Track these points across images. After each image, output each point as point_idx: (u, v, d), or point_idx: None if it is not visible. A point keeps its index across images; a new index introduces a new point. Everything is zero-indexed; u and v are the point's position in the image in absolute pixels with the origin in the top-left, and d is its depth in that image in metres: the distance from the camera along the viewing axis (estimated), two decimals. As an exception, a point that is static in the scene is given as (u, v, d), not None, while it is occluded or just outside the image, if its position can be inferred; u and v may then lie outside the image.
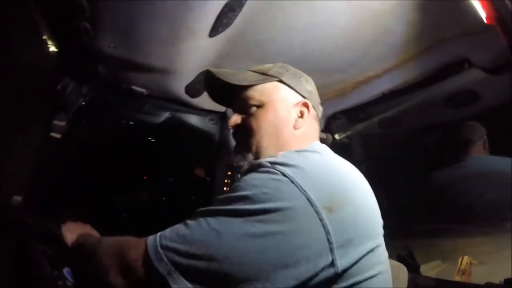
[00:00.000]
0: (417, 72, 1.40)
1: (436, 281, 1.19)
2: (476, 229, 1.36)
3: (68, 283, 0.72)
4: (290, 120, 0.77)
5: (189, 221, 0.60)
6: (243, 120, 0.78)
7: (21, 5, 1.15)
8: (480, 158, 1.57)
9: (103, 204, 2.16)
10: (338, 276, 0.57)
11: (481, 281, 1.01)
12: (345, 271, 0.57)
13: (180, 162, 2.52)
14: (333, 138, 1.90)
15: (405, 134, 1.93)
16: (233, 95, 0.81)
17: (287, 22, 1.19)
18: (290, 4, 1.11)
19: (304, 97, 0.81)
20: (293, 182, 0.57)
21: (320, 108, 0.87)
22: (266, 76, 0.80)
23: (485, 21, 0.90)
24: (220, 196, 0.62)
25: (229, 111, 1.85)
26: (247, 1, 1.06)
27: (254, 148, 0.75)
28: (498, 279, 0.95)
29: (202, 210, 0.61)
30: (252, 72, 0.82)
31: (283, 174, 0.58)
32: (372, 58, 1.41)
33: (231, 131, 0.81)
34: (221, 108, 1.86)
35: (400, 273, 0.92)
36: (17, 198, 1.22)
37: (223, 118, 1.92)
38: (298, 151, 0.70)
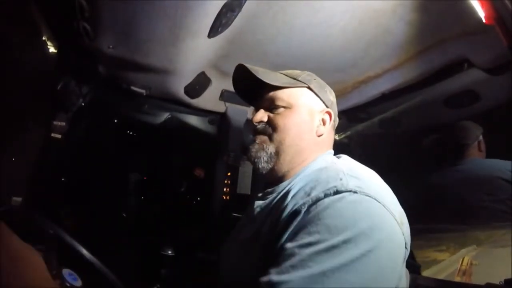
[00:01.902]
0: (417, 72, 1.40)
1: (436, 282, 1.19)
2: (476, 230, 1.36)
3: (67, 284, 0.71)
4: (313, 126, 0.81)
5: None
6: (269, 117, 0.81)
7: (21, 5, 1.15)
8: (475, 161, 1.57)
9: (102, 204, 2.16)
10: None
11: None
12: None
13: (180, 162, 2.52)
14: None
15: (405, 134, 1.92)
16: (260, 93, 0.84)
17: (287, 22, 1.19)
18: (290, 4, 1.11)
19: (327, 106, 0.85)
20: (385, 207, 0.61)
21: (337, 120, 0.91)
22: (296, 81, 0.83)
23: (484, 21, 0.90)
24: (319, 242, 0.57)
25: (229, 111, 1.86)
26: (247, 1, 1.06)
27: (276, 142, 0.79)
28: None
29: (315, 274, 0.55)
30: (282, 75, 0.85)
31: (376, 200, 0.61)
32: (372, 58, 1.41)
33: (254, 126, 0.83)
34: (220, 109, 1.86)
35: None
36: (17, 199, 1.22)
37: (222, 118, 1.92)
38: (361, 167, 0.72)
